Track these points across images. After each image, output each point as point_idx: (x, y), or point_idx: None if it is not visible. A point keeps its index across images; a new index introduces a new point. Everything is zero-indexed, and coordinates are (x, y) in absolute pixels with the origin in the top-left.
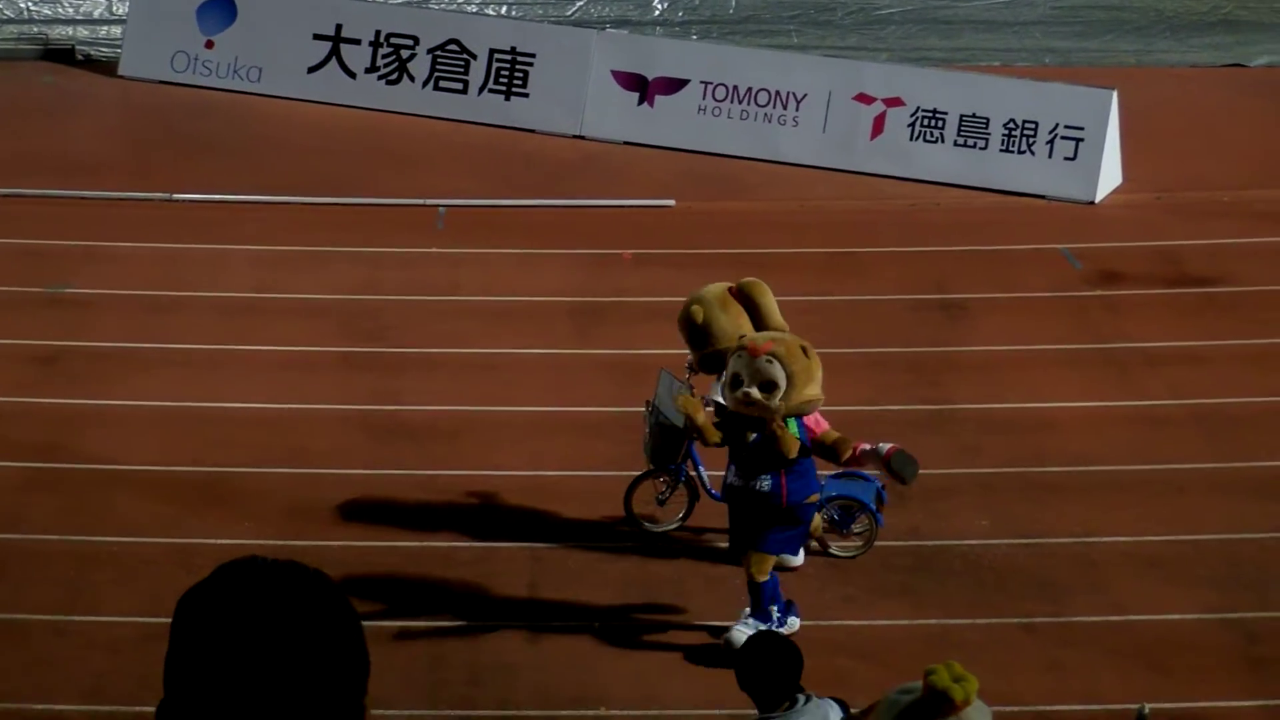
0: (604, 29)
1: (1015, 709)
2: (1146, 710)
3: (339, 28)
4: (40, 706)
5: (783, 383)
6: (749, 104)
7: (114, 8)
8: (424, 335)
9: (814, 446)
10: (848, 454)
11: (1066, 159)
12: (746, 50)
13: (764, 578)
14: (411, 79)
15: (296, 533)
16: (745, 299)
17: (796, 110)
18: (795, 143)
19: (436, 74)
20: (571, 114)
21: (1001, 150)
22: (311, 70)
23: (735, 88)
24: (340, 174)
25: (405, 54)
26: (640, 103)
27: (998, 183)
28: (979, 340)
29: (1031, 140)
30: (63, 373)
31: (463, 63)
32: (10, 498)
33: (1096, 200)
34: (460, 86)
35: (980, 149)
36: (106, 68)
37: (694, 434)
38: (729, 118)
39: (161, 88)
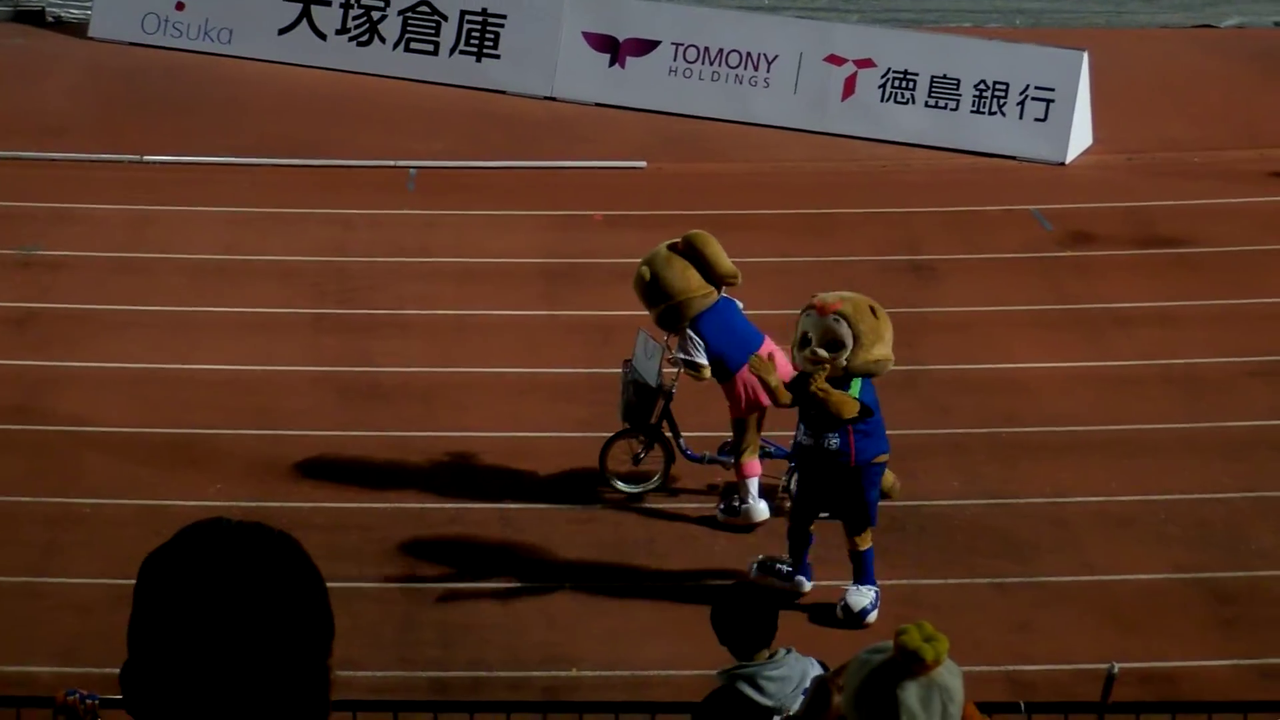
0: None
1: (986, 668)
2: (1116, 669)
3: None
4: (14, 668)
5: (849, 342)
6: (720, 65)
7: None
8: (395, 296)
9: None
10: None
11: (1037, 120)
12: (717, 11)
13: (866, 545)
14: (382, 40)
15: (267, 494)
16: (691, 252)
17: (767, 71)
18: (766, 104)
19: (407, 35)
20: (543, 75)
21: (972, 111)
22: (282, 32)
23: (706, 49)
24: (311, 136)
25: (376, 15)
26: (611, 64)
27: (968, 144)
28: (950, 301)
29: (1002, 101)
30: (33, 334)
31: (434, 24)
32: None
33: (1067, 161)
34: (431, 48)
35: (951, 110)
36: (77, 29)
37: (669, 394)
38: (700, 79)
39: (132, 49)
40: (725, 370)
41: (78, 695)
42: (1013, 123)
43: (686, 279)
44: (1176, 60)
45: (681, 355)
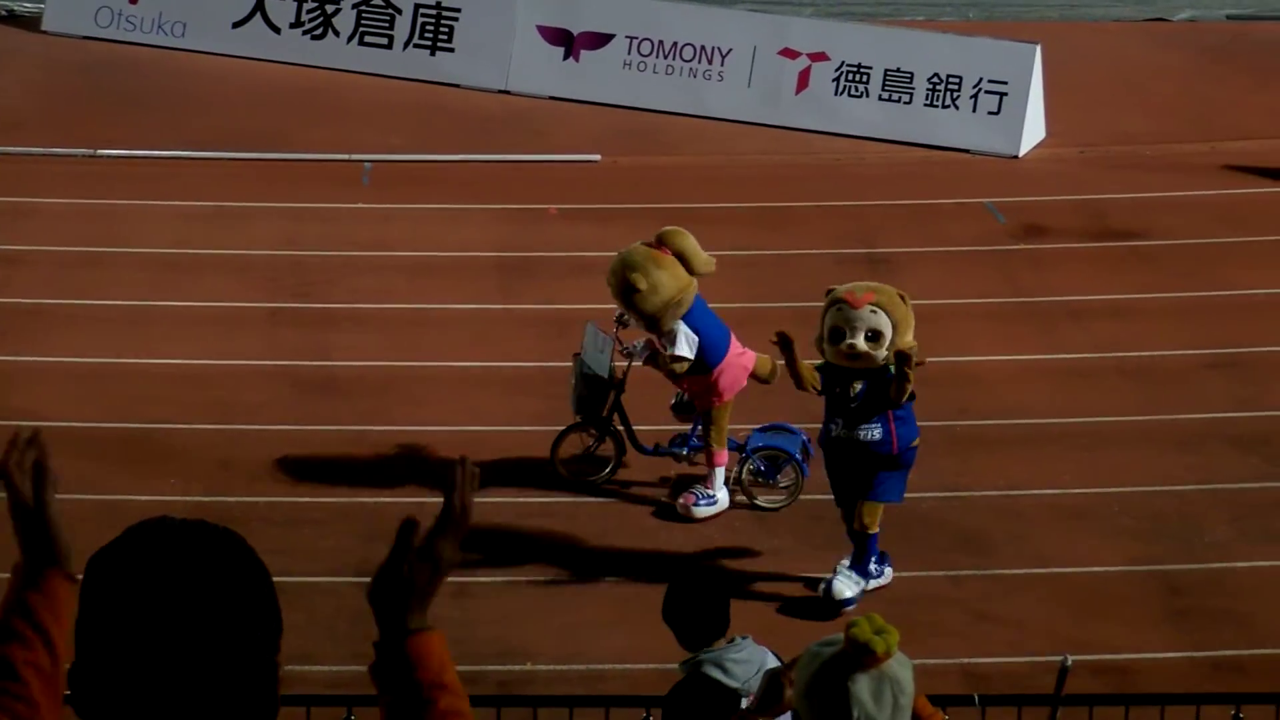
0: None
1: (940, 661)
2: (1069, 662)
3: None
4: None
5: (889, 331)
6: (674, 59)
7: None
8: (350, 290)
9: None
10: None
11: (990, 113)
12: (672, 4)
13: (875, 528)
14: (336, 34)
15: (223, 488)
16: (672, 248)
17: (722, 65)
18: (721, 97)
19: (362, 29)
20: (497, 69)
21: (926, 105)
22: (236, 25)
23: (661, 42)
24: (265, 129)
25: (330, 9)
26: (566, 57)
27: (922, 137)
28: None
29: (956, 95)
30: None
31: (388, 17)
32: None
33: (1020, 154)
34: (385, 41)
35: (905, 103)
36: (30, 23)
37: (619, 386)
38: (655, 72)
39: (85, 43)
40: (704, 364)
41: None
42: (966, 116)
43: (679, 277)
44: (1129, 53)
45: (671, 351)
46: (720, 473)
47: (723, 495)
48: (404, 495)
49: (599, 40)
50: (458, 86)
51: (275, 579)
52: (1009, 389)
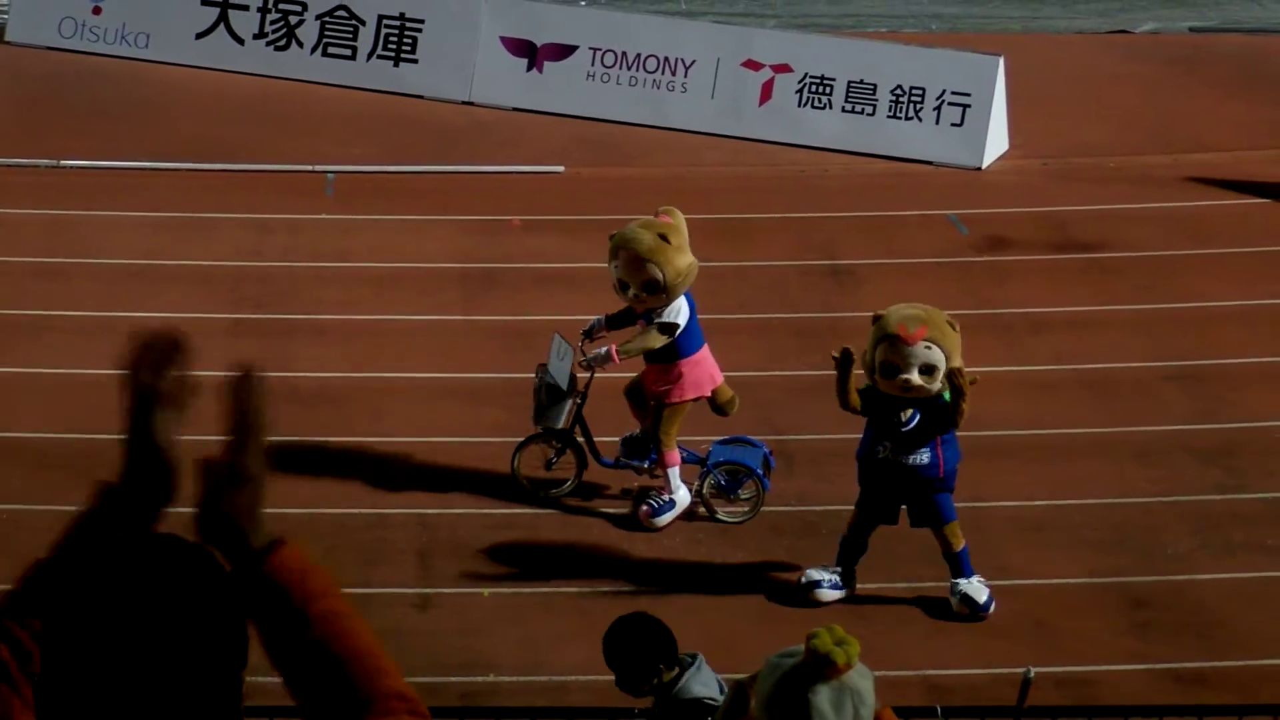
0: None
1: (901, 673)
2: (1031, 674)
3: None
4: None
5: (942, 365)
6: (638, 70)
7: None
8: (313, 301)
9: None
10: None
11: (953, 125)
12: (635, 16)
13: (960, 545)
14: (300, 45)
15: (184, 499)
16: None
17: (685, 76)
18: (684, 109)
19: (325, 40)
20: (460, 80)
21: (889, 116)
22: (200, 36)
23: (624, 54)
24: (229, 140)
25: (294, 20)
26: (529, 69)
27: (885, 149)
28: (867, 305)
29: (919, 106)
30: None
31: (351, 28)
32: None
33: (983, 166)
34: (349, 52)
35: (868, 115)
36: None
37: (581, 398)
38: (618, 84)
39: (49, 54)
40: (675, 350)
41: None
42: (929, 128)
43: (690, 258)
44: (1092, 65)
45: (666, 319)
46: (675, 472)
47: (681, 494)
48: (366, 505)
49: (562, 52)
50: (421, 98)
51: None
52: (971, 401)
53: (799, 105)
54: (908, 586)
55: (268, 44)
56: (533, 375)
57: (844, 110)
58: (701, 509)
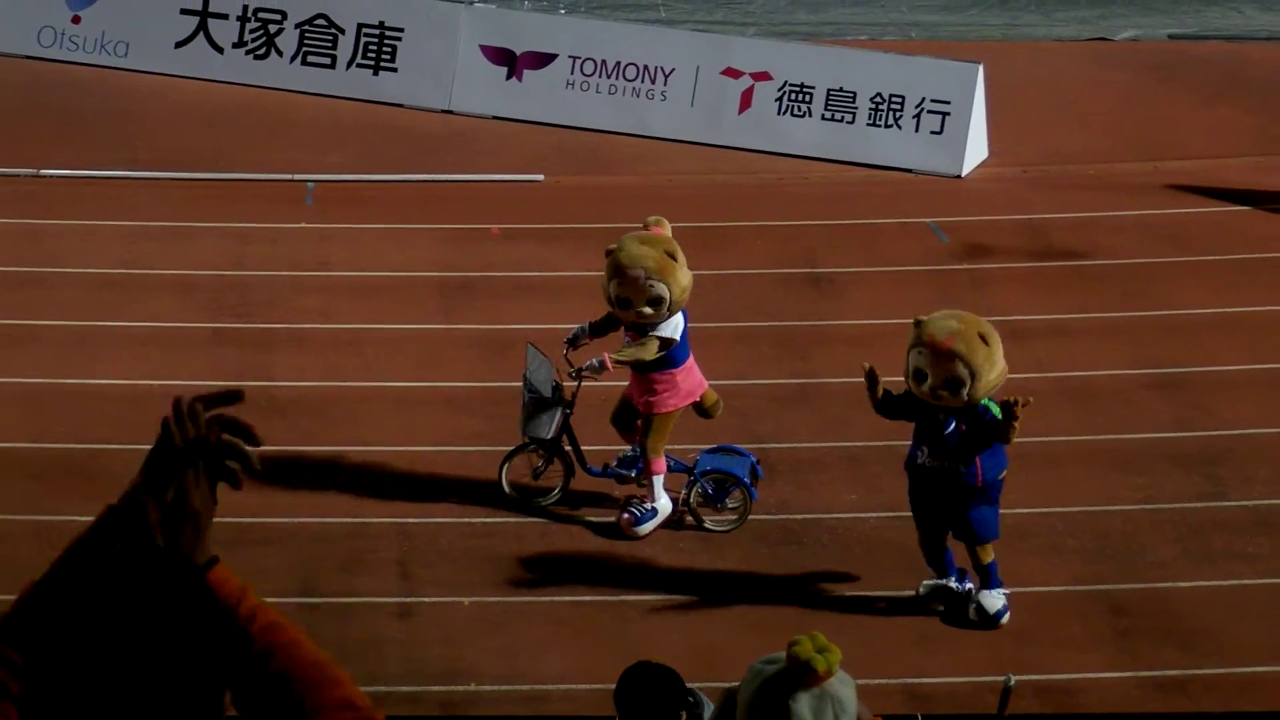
0: (472, 3)
1: (883, 681)
2: (1012, 682)
3: (206, 2)
4: None
5: (967, 380)
6: (617, 78)
7: None
8: (293, 310)
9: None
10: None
11: (933, 133)
12: (614, 24)
13: (989, 559)
14: (279, 54)
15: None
16: (671, 243)
17: (664, 84)
18: (663, 117)
19: (305, 49)
20: (440, 88)
21: (869, 124)
22: (179, 45)
23: (603, 62)
24: (208, 149)
25: (273, 29)
26: (509, 77)
27: (865, 157)
28: (847, 314)
29: (898, 114)
30: None
31: (331, 37)
32: None
33: (963, 174)
34: (328, 61)
35: (848, 123)
36: None
37: (567, 407)
38: (597, 92)
39: (28, 63)
40: (670, 360)
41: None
42: (909, 135)
43: (690, 274)
44: (1072, 73)
45: (664, 333)
46: (659, 480)
47: (663, 502)
48: (346, 515)
49: (542, 60)
50: (401, 106)
51: None
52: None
53: (779, 113)
54: (887, 595)
55: (247, 53)
56: (515, 384)
57: (824, 118)
58: (689, 518)
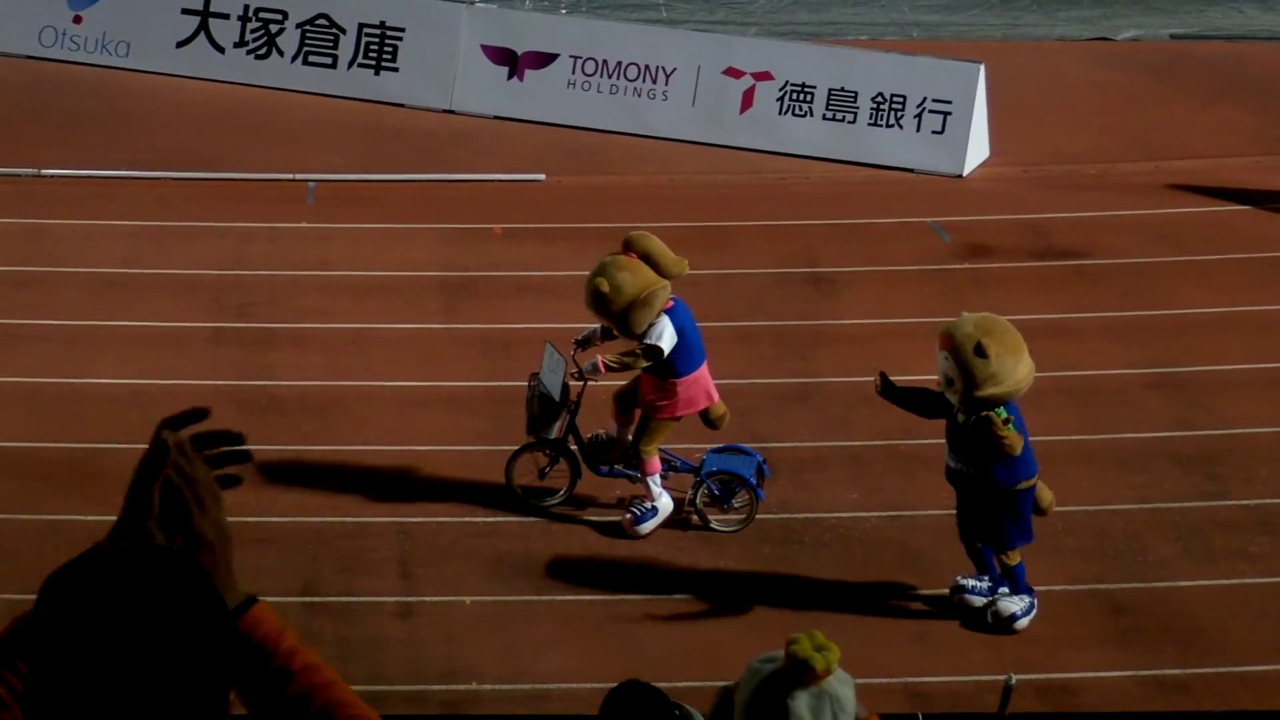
0: (473, 3)
1: (883, 680)
2: (1013, 681)
3: (207, 2)
4: None
5: (958, 379)
6: (618, 78)
7: None
8: (294, 310)
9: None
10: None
11: (934, 133)
12: (616, 24)
13: (1014, 561)
14: (281, 53)
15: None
16: (638, 252)
17: (666, 84)
18: (665, 117)
19: (306, 48)
20: (441, 88)
21: (870, 124)
22: (180, 45)
23: (605, 62)
24: (210, 149)
25: (274, 28)
26: (510, 77)
27: (866, 156)
28: (848, 313)
29: (900, 114)
30: None
31: (332, 37)
32: None
33: (964, 174)
34: (330, 61)
35: (849, 123)
36: None
37: (573, 407)
38: (598, 92)
39: (29, 63)
40: (674, 369)
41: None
42: (910, 135)
43: (643, 274)
44: (1073, 73)
45: (647, 341)
46: (655, 480)
47: (664, 501)
48: (348, 514)
49: (543, 60)
50: (402, 106)
51: None
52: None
53: (780, 113)
54: (888, 593)
55: (248, 53)
56: (516, 384)
57: (825, 118)
58: (695, 519)
